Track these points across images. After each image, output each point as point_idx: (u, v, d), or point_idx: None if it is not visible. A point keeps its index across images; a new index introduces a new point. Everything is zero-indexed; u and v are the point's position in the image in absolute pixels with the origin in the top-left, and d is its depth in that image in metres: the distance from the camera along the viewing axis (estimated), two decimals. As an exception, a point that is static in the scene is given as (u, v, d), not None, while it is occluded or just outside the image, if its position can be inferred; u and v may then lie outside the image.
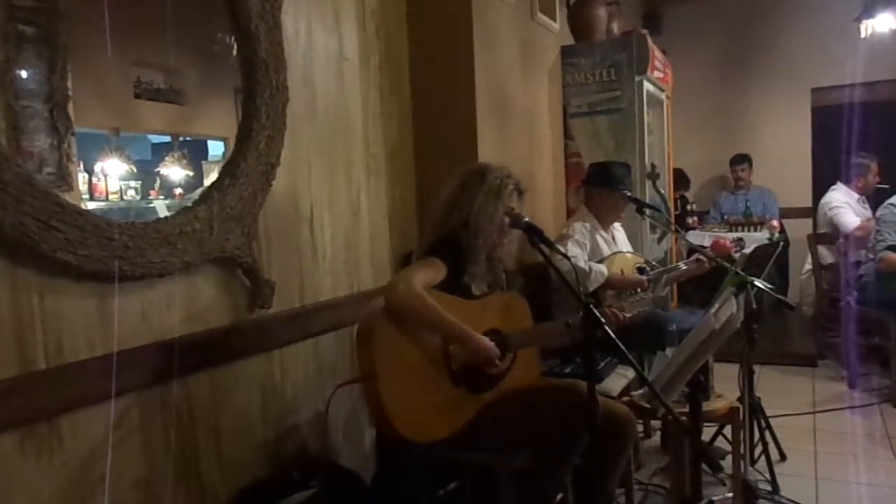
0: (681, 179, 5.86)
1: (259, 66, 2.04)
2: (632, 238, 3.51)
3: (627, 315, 2.22)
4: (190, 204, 1.92)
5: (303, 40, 2.30)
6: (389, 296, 1.94)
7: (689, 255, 3.29)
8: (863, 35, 4.98)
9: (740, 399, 2.78)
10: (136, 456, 1.72)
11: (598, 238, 3.19)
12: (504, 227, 2.13)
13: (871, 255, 4.12)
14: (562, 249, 2.93)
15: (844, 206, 4.73)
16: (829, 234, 4.76)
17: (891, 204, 4.14)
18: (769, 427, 3.11)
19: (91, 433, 1.61)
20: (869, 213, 4.73)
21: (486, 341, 2.01)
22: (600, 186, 3.19)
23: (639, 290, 2.92)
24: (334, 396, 2.16)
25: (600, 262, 3.05)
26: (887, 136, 5.37)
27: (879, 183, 4.77)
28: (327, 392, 2.23)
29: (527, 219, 2.08)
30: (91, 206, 1.86)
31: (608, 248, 3.21)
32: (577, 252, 3.01)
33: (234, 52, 2.05)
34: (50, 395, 1.52)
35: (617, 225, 3.37)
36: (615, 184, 3.15)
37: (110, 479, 1.63)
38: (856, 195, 4.83)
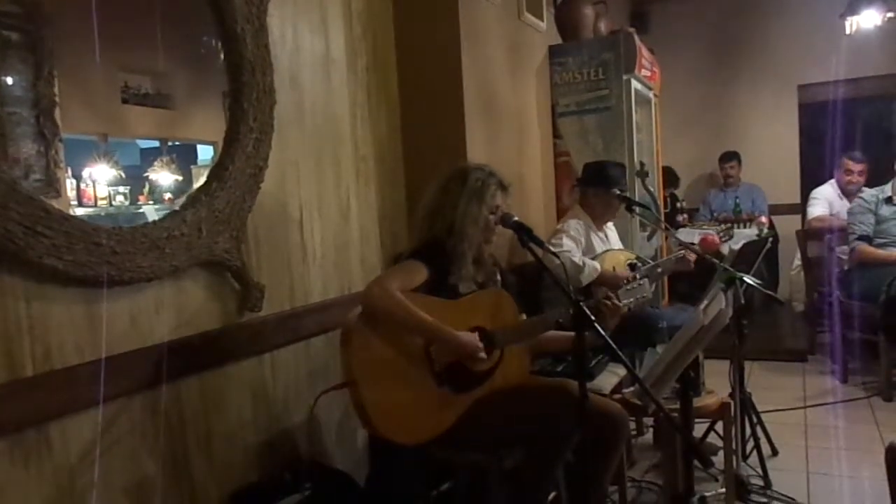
0: (670, 177, 5.88)
1: (245, 68, 2.03)
2: (622, 236, 3.52)
3: (624, 303, 2.22)
4: (178, 208, 1.92)
5: (289, 42, 2.30)
6: (365, 300, 1.95)
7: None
8: (848, 31, 5.02)
9: (731, 395, 2.79)
10: (126, 461, 1.72)
11: (593, 236, 3.20)
12: (490, 225, 2.14)
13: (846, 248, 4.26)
14: (551, 248, 2.96)
15: (817, 197, 4.93)
16: (817, 230, 4.82)
17: (860, 196, 4.24)
18: (760, 422, 3.13)
19: (80, 439, 1.60)
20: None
21: (466, 335, 2.00)
22: (595, 186, 3.20)
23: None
24: (328, 397, 2.15)
25: (593, 259, 3.06)
26: (872, 131, 5.41)
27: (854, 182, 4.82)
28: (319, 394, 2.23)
29: (516, 217, 2.09)
30: (79, 212, 1.86)
31: (603, 247, 3.23)
32: (571, 246, 3.02)
33: (222, 56, 2.04)
34: (38, 402, 1.51)
35: (610, 224, 3.38)
36: (611, 184, 3.16)
37: (100, 486, 1.62)
38: (838, 190, 4.95)
